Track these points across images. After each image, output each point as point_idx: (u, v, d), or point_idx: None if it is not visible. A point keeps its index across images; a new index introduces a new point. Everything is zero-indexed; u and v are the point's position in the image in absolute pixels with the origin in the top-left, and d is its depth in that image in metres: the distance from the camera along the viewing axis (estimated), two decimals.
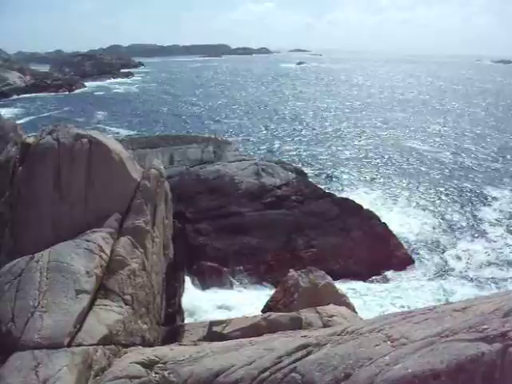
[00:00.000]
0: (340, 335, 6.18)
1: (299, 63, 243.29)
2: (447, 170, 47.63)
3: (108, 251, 12.65)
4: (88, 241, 12.72)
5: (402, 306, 22.41)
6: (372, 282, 25.53)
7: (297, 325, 13.61)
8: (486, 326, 4.62)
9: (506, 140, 64.56)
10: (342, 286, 22.08)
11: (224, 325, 14.13)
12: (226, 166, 32.46)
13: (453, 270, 27.47)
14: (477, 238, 31.91)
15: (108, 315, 10.76)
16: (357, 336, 5.76)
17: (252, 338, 9.29)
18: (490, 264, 28.39)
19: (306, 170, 41.97)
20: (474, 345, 4.36)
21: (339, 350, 5.45)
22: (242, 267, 25.37)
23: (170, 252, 18.84)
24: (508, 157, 54.65)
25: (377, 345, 5.18)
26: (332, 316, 14.88)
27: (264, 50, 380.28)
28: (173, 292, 18.57)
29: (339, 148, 55.68)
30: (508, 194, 41.13)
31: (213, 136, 42.38)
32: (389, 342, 5.16)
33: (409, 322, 5.59)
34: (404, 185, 42.20)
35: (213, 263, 25.01)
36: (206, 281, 24.10)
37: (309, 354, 5.98)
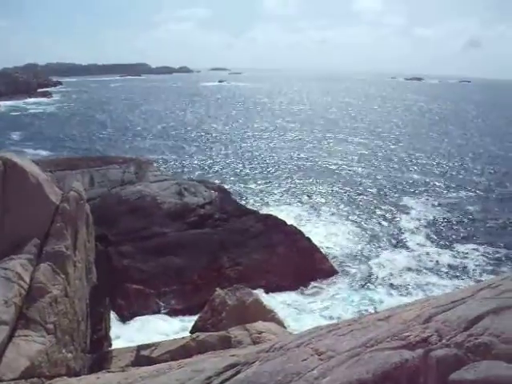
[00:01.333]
0: (268, 352, 6.19)
1: (219, 81, 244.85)
2: (365, 184, 49.11)
3: (27, 279, 12.14)
4: (5, 269, 12.17)
5: (331, 317, 22.86)
6: (299, 295, 25.82)
7: (226, 344, 13.55)
8: (408, 333, 4.77)
9: (418, 152, 67.60)
10: (270, 302, 22.26)
11: (152, 348, 13.86)
12: (148, 187, 32.06)
13: (377, 278, 28.27)
14: (398, 246, 33.06)
15: (29, 346, 10.30)
16: (284, 351, 5.80)
17: (181, 361, 9.15)
18: (411, 271, 29.47)
19: (229, 187, 42.16)
20: (397, 352, 4.49)
21: (268, 366, 5.45)
22: (168, 288, 25.01)
23: (94, 276, 18.31)
24: (420, 168, 57.19)
25: (305, 359, 5.23)
26: (261, 332, 14.91)
27: (185, 69, 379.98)
28: (98, 317, 18.04)
29: (261, 165, 56.29)
30: (422, 202, 42.93)
31: (134, 156, 41.79)
32: (316, 356, 5.22)
33: (335, 335, 5.69)
34: (326, 199, 43.14)
35: (138, 286, 24.55)
36: (131, 304, 23.62)
37: (238, 373, 5.95)
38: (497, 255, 32.20)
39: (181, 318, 23.26)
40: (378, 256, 31.35)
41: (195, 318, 20.86)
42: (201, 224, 29.33)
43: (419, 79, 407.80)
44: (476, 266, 30.52)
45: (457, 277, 28.89)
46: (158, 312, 23.72)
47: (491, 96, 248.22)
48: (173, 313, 23.80)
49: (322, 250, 29.64)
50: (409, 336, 4.71)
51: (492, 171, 57.72)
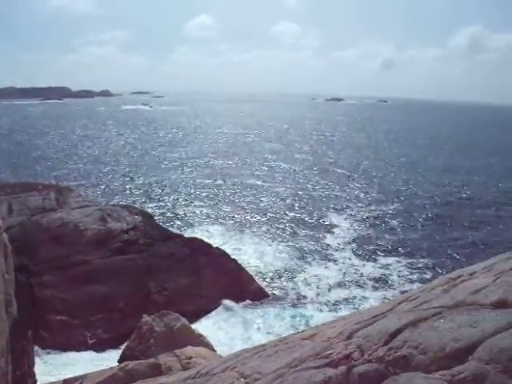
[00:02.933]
0: (195, 378, 6.12)
1: (142, 104, 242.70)
2: (289, 203, 49.77)
3: None
4: None
5: (261, 338, 22.76)
6: (227, 317, 25.68)
7: (156, 371, 13.25)
8: (330, 351, 4.82)
9: (338, 170, 69.41)
10: (199, 326, 22.03)
11: (79, 381, 13.39)
12: (70, 213, 31.16)
13: (306, 295, 28.60)
14: (324, 262, 33.63)
15: None
16: (210, 377, 5.74)
17: None
18: (339, 285, 30.06)
19: (153, 211, 41.65)
20: (320, 371, 4.52)
21: None
22: (93, 318, 24.28)
23: (14, 309, 17.56)
24: (341, 185, 58.66)
25: (230, 383, 5.20)
26: (191, 358, 14.69)
27: (106, 93, 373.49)
28: (20, 352, 17.28)
29: (184, 188, 55.91)
30: (346, 218, 43.98)
31: (54, 183, 40.63)
32: (242, 379, 5.19)
33: (260, 357, 5.67)
34: (251, 219, 43.35)
35: (62, 317, 23.72)
36: (56, 336, 22.77)
37: None
38: (419, 265, 33.43)
39: (108, 347, 22.63)
40: (305, 273, 31.72)
41: (123, 346, 20.39)
42: (125, 250, 28.75)
43: (339, 100, 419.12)
44: (399, 277, 31.52)
45: (382, 289, 29.70)
46: (85, 343, 22.95)
47: (404, 114, 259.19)
48: (100, 343, 23.12)
49: (249, 271, 29.72)
50: (331, 354, 4.76)
51: (410, 185, 60.01)
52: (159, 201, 49.34)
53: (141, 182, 58.75)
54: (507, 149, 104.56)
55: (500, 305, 5.12)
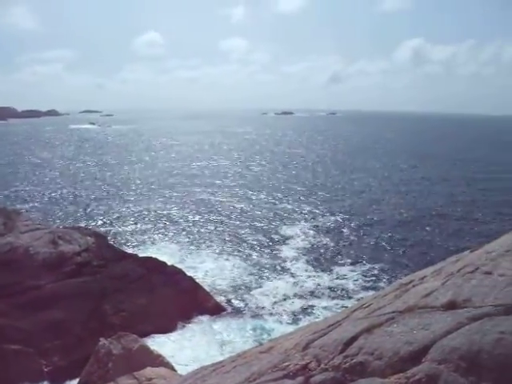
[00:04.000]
0: None
1: (90, 123, 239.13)
2: (242, 217, 49.85)
3: None
4: None
5: (224, 350, 22.70)
6: (186, 336, 25.47)
7: None
8: (288, 363, 4.87)
9: (290, 183, 70.06)
10: (157, 346, 21.77)
11: None
12: (19, 238, 30.32)
13: (264, 308, 28.64)
14: (281, 275, 33.79)
15: None
16: None
17: None
18: (296, 297, 30.24)
19: (105, 232, 41.07)
20: (278, 383, 4.58)
21: None
22: (49, 345, 23.64)
23: None
24: (294, 197, 59.18)
25: None
26: (151, 379, 14.55)
27: (53, 112, 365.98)
28: None
29: (136, 206, 55.22)
30: (299, 229, 44.37)
31: (1, 207, 39.56)
32: None
33: (219, 373, 5.68)
34: (205, 235, 43.23)
35: (16, 346, 23.00)
36: (10, 367, 22.07)
37: None
38: (373, 272, 33.99)
39: (66, 374, 22.08)
40: (262, 286, 31.80)
41: (81, 372, 19.97)
42: (79, 272, 28.17)
43: (290, 113, 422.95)
44: (355, 285, 31.95)
45: (339, 298, 30.02)
46: (41, 371, 22.33)
47: (356, 126, 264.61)
48: (57, 370, 22.50)
49: (206, 287, 29.60)
50: (289, 365, 4.81)
51: (361, 195, 61.16)
52: (112, 221, 48.61)
53: (92, 202, 57.73)
54: (448, 155, 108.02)
55: (450, 306, 5.28)
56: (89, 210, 53.55)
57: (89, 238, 32.04)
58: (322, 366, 4.67)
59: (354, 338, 4.94)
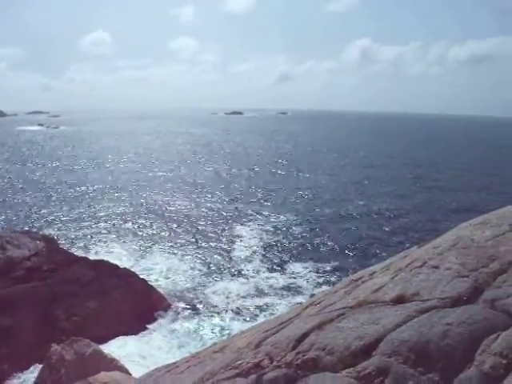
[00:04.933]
0: None
1: (39, 125, 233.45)
2: (193, 218, 49.66)
3: None
4: None
5: (179, 351, 22.61)
6: (140, 338, 25.26)
7: None
8: (240, 361, 4.90)
9: (240, 183, 70.29)
10: (111, 350, 21.53)
11: None
12: None
13: (218, 307, 28.73)
14: (234, 274, 33.96)
15: None
16: None
17: None
18: (250, 296, 30.41)
19: (55, 235, 40.28)
20: (232, 382, 4.60)
21: None
22: None
23: None
24: (242, 197, 59.41)
25: None
26: (106, 383, 14.39)
27: None
28: None
29: (85, 208, 54.29)
30: (251, 229, 44.57)
31: None
32: None
33: (173, 374, 5.66)
34: (157, 236, 42.96)
35: None
36: None
37: None
38: (325, 269, 34.45)
39: (17, 382, 21.60)
40: (216, 286, 31.82)
41: (33, 380, 19.60)
42: (28, 278, 27.54)
43: (239, 113, 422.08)
44: (308, 282, 32.33)
45: (292, 295, 30.29)
46: None
47: (306, 125, 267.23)
48: (7, 379, 21.97)
49: (159, 289, 29.40)
50: (241, 364, 4.84)
51: (309, 193, 61.85)
52: (62, 224, 47.65)
53: (40, 206, 56.36)
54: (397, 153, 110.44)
55: (399, 300, 5.41)
56: (37, 214, 52.33)
57: (38, 242, 31.35)
58: (275, 363, 4.72)
59: (305, 335, 5.01)
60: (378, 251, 37.64)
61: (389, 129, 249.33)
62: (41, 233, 37.04)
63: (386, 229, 45.21)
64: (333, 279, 32.09)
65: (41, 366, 19.75)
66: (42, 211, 53.35)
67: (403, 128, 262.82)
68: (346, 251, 38.62)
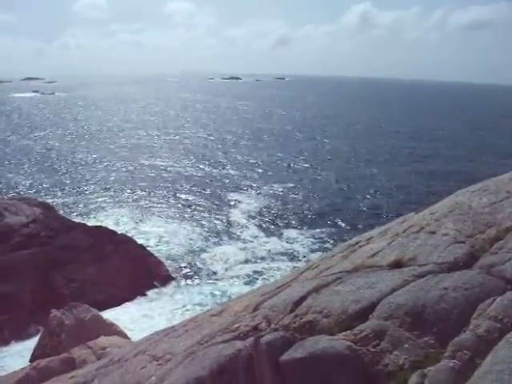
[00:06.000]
0: (107, 366, 6.07)
1: (34, 91, 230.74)
2: (191, 184, 49.66)
3: None
4: None
5: (177, 316, 22.70)
6: (138, 304, 25.43)
7: (70, 366, 12.98)
8: (238, 325, 4.96)
9: (234, 150, 70.13)
10: (110, 315, 21.70)
11: None
12: None
13: (217, 273, 28.88)
14: (231, 239, 34.17)
15: None
16: (123, 363, 5.72)
17: None
18: (248, 260, 30.68)
19: (53, 202, 40.25)
20: (229, 344, 4.65)
21: (107, 382, 5.36)
22: None
23: None
24: (237, 164, 59.35)
25: (143, 367, 5.20)
26: (105, 348, 14.53)
27: None
28: None
29: (83, 175, 54.12)
30: (247, 196, 44.67)
31: None
32: (154, 362, 5.22)
33: (171, 337, 5.72)
34: (154, 202, 42.96)
35: None
36: None
37: None
38: (321, 235, 34.64)
39: (18, 347, 21.80)
40: (214, 251, 32.00)
41: (33, 345, 19.78)
42: (27, 244, 27.62)
43: (237, 78, 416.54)
44: (303, 247, 32.57)
45: (289, 260, 30.54)
46: None
47: (305, 91, 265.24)
48: (8, 344, 22.18)
49: (156, 255, 29.51)
50: (239, 327, 4.90)
51: (307, 161, 61.76)
52: (59, 190, 47.59)
53: (37, 173, 56.20)
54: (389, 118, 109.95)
55: (395, 265, 5.46)
56: (34, 180, 52.20)
57: (36, 208, 31.39)
58: (272, 325, 4.78)
59: (302, 298, 5.06)
60: (373, 219, 37.66)
61: (384, 95, 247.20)
62: (38, 199, 36.97)
63: (383, 196, 45.28)
64: (328, 245, 32.37)
65: (41, 331, 19.92)
66: (39, 178, 53.21)
67: (399, 94, 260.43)
68: (342, 218, 38.73)
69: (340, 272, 5.50)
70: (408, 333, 4.49)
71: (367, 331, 4.52)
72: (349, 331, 4.55)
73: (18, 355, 20.93)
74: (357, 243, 6.70)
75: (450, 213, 6.51)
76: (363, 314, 4.72)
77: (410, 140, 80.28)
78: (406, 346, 4.41)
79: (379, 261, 5.67)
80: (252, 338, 4.65)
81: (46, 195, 45.24)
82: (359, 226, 35.66)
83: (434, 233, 6.04)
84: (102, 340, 15.30)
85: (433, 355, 4.28)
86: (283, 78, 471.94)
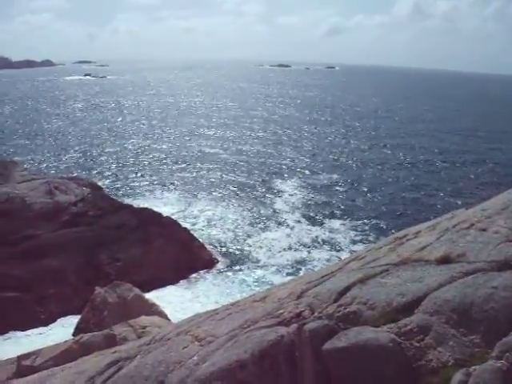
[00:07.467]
0: (149, 344, 6.17)
1: (85, 75, 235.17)
2: (238, 170, 49.89)
3: None
4: None
5: (218, 301, 22.83)
6: (180, 286, 25.74)
7: (111, 342, 13.24)
8: (282, 311, 4.97)
9: (283, 138, 70.03)
10: (152, 296, 22.04)
11: (34, 357, 13.22)
12: (16, 188, 30.30)
13: (259, 260, 29.00)
14: (276, 226, 34.22)
15: None
16: (165, 342, 5.80)
17: (65, 365, 8.84)
18: (291, 249, 30.68)
19: (101, 183, 41.03)
20: (273, 330, 4.67)
21: (149, 359, 5.44)
22: (46, 293, 23.86)
23: None
24: (285, 153, 59.20)
25: (185, 347, 5.27)
26: (145, 327, 14.77)
27: (48, 63, 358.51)
28: None
29: (133, 158, 55.00)
30: (291, 184, 44.63)
31: None
32: (196, 342, 5.28)
33: (213, 320, 5.77)
34: (202, 187, 43.34)
35: (14, 293, 23.20)
36: (8, 313, 22.28)
37: (120, 369, 5.89)
38: (365, 227, 34.36)
39: (62, 321, 22.40)
40: (257, 237, 32.21)
41: (77, 320, 20.27)
42: (74, 223, 28.24)
43: (287, 66, 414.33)
44: (345, 238, 32.38)
45: (331, 250, 30.43)
46: (38, 318, 22.60)
47: (355, 80, 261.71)
48: (53, 317, 22.80)
49: (201, 239, 29.81)
50: (283, 313, 4.90)
51: (356, 153, 61.01)
52: (107, 171, 48.56)
53: (88, 153, 57.50)
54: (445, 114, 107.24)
55: (444, 260, 5.35)
56: (85, 160, 53.39)
57: (85, 188, 32.06)
58: (316, 314, 4.76)
59: (347, 288, 5.03)
60: (419, 214, 36.90)
61: (445, 89, 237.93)
62: (87, 179, 37.75)
63: (431, 192, 44.34)
64: (370, 238, 32.14)
65: (85, 307, 20.37)
66: (89, 159, 54.39)
67: (464, 89, 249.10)
68: (387, 212, 38.25)
69: (387, 264, 5.44)
70: (453, 330, 4.41)
71: (412, 325, 4.46)
72: (393, 324, 4.50)
73: (62, 329, 21.52)
74: (404, 236, 6.60)
75: (503, 210, 6.34)
76: (408, 307, 4.66)
77: (462, 134, 77.48)
78: (451, 343, 4.34)
79: (427, 255, 5.57)
80: (295, 325, 4.65)
81: (96, 175, 46.19)
82: (402, 220, 35.03)
83: (484, 230, 5.90)
84: (143, 319, 15.54)
85: (478, 354, 4.20)
86: (333, 67, 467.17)
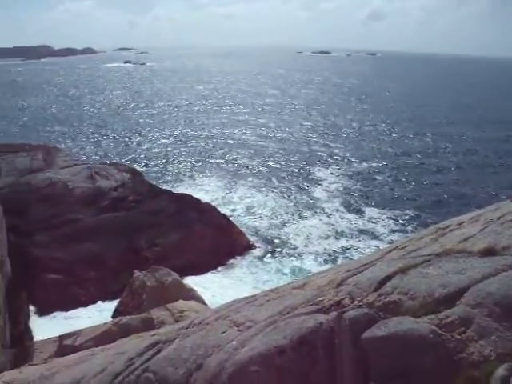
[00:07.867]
0: (188, 328, 6.24)
1: (125, 62, 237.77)
2: (277, 158, 49.95)
3: None
4: None
5: (255, 288, 22.92)
6: (218, 272, 25.96)
7: (149, 325, 13.48)
8: (321, 298, 4.95)
9: (323, 126, 69.51)
10: (190, 281, 22.28)
11: (75, 337, 13.58)
12: (58, 173, 30.93)
13: (297, 247, 29.06)
14: (314, 214, 34.20)
15: None
16: (204, 326, 5.86)
17: (104, 346, 9.03)
18: (329, 237, 30.67)
19: (141, 169, 41.55)
20: (312, 317, 4.66)
21: (188, 342, 5.50)
22: (86, 276, 24.39)
23: (7, 270, 17.66)
24: (324, 141, 58.81)
25: (224, 331, 5.31)
26: (183, 311, 14.97)
27: (89, 50, 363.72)
28: (16, 311, 17.44)
29: (172, 144, 55.60)
30: (330, 173, 44.42)
31: (41, 143, 40.27)
32: (235, 327, 5.32)
33: (252, 306, 5.80)
34: (241, 174, 43.56)
35: (55, 275, 23.79)
36: (50, 295, 22.84)
37: (159, 351, 5.98)
38: (404, 217, 34.01)
39: (102, 304, 22.88)
40: (296, 226, 32.25)
41: (116, 302, 20.64)
42: (114, 207, 28.72)
43: (327, 53, 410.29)
44: (384, 228, 32.10)
45: (370, 239, 30.24)
46: (79, 300, 23.12)
47: (396, 67, 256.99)
48: (93, 299, 23.32)
49: (239, 225, 29.94)
50: (322, 300, 4.89)
51: (398, 143, 60.11)
52: (147, 157, 49.17)
53: (128, 139, 58.30)
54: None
55: (487, 252, 5.23)
56: (125, 146, 54.15)
57: (125, 173, 32.48)
58: (356, 302, 4.73)
59: (388, 278, 4.97)
60: (461, 206, 36.11)
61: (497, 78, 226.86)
62: (127, 165, 38.24)
63: (473, 183, 43.29)
64: (409, 227, 31.85)
65: (124, 290, 20.71)
66: (130, 144, 55.12)
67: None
68: (427, 202, 37.73)
69: (429, 255, 5.35)
70: (496, 323, 4.32)
71: (453, 317, 4.39)
72: (434, 315, 4.43)
73: (102, 311, 21.97)
74: (447, 227, 6.48)
75: None
76: (450, 299, 4.58)
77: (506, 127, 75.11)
78: (493, 337, 4.25)
79: (470, 246, 5.46)
80: (335, 313, 4.64)
81: (135, 161, 46.82)
82: (443, 211, 34.35)
83: None
84: (181, 304, 15.75)
85: None
86: (374, 54, 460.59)
